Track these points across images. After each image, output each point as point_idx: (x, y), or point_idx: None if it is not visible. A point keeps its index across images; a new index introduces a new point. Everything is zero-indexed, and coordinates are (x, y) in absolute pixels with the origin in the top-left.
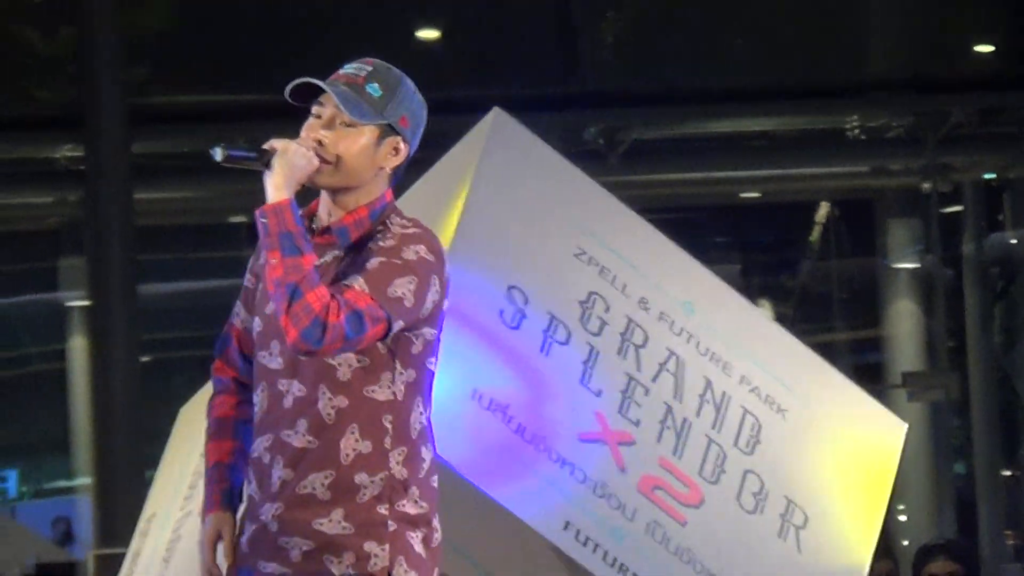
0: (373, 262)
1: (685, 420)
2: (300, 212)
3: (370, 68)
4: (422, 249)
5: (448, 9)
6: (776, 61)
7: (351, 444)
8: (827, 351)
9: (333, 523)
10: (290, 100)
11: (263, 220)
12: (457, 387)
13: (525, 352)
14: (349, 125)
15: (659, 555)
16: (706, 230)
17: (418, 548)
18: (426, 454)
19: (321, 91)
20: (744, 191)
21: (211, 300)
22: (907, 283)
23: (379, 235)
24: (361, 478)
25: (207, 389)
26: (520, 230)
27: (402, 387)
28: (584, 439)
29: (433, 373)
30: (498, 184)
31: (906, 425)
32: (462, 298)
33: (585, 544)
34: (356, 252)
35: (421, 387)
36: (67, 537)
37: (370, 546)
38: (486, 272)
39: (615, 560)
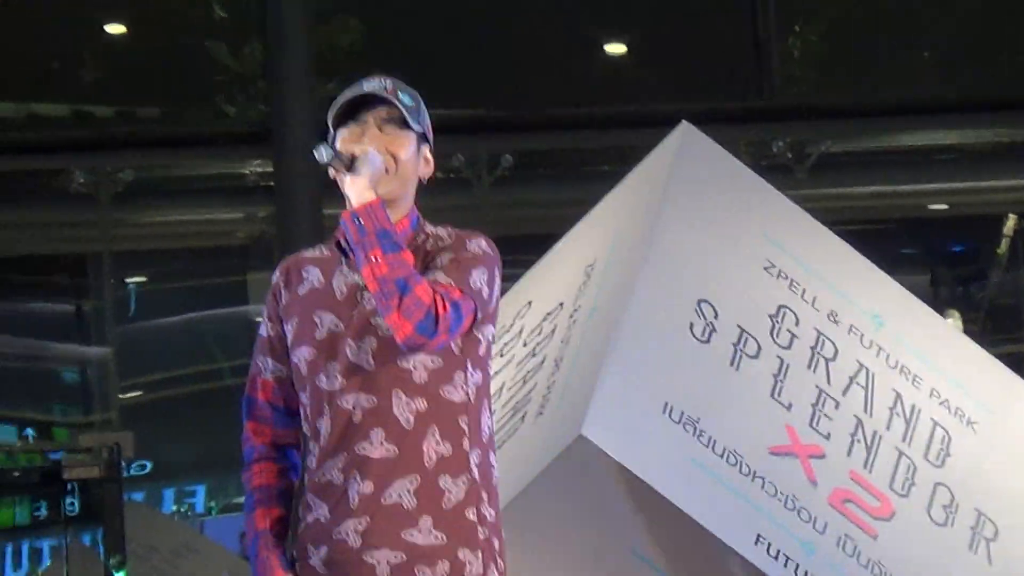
0: (443, 259)
1: (875, 433)
2: (325, 247)
3: (389, 81)
4: (483, 243)
5: (635, 23)
6: (965, 73)
7: (432, 447)
8: (1016, 362)
9: (423, 532)
10: (329, 123)
11: (357, 221)
12: (647, 400)
13: (715, 366)
14: (391, 130)
15: (850, 568)
16: (894, 241)
17: (499, 558)
18: (494, 460)
19: (361, 106)
20: (932, 203)
21: None
22: None
23: (428, 241)
24: (445, 482)
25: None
26: (710, 244)
27: (473, 389)
28: (775, 452)
29: (491, 377)
30: (688, 198)
31: None
32: (652, 311)
33: (776, 558)
34: (413, 261)
35: (487, 390)
36: None
37: (464, 554)
38: (676, 286)
39: (806, 573)
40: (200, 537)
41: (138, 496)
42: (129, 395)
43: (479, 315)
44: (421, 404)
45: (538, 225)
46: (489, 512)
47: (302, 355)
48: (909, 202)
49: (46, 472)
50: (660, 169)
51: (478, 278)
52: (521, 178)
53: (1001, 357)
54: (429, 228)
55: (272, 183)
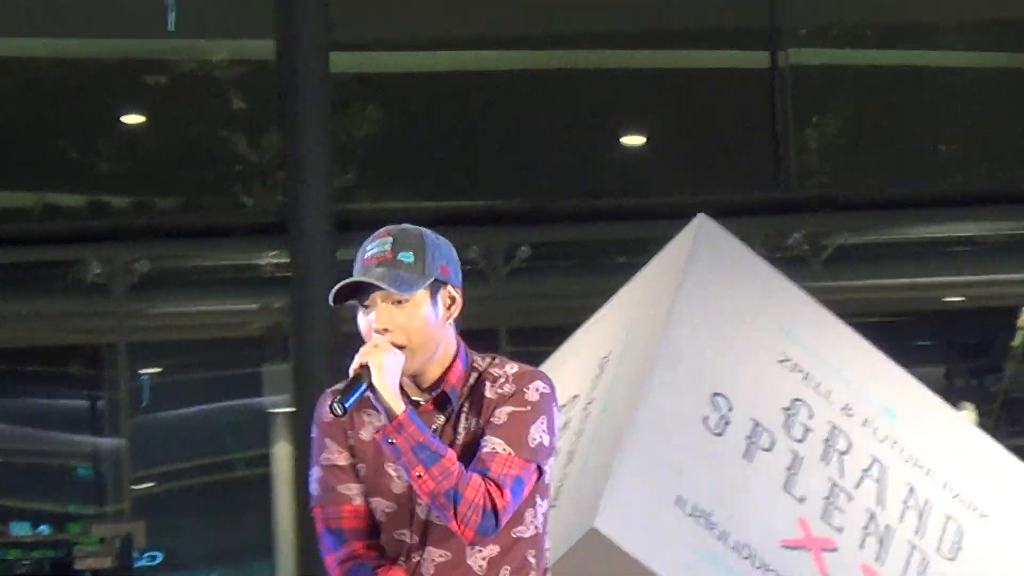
0: (501, 414)
1: (888, 526)
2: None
3: (390, 239)
4: (540, 385)
5: (653, 115)
6: (981, 166)
7: None
8: None
9: None
10: (332, 303)
11: (389, 441)
12: (661, 493)
13: (728, 458)
14: (399, 302)
15: None
16: (909, 333)
17: None
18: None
19: (359, 285)
20: (948, 295)
21: None
22: None
23: (486, 382)
24: None
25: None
26: (725, 336)
27: (541, 519)
28: (787, 546)
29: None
30: (704, 290)
31: None
32: (667, 403)
33: None
34: (471, 405)
35: (548, 513)
36: None
37: None
38: (691, 378)
39: None
40: None
41: None
42: (142, 486)
43: (543, 470)
44: (494, 550)
45: (554, 316)
46: None
47: (378, 505)
48: (925, 295)
49: (57, 563)
50: (676, 261)
51: (537, 432)
52: (537, 269)
53: (1016, 449)
54: (480, 362)
55: (288, 274)
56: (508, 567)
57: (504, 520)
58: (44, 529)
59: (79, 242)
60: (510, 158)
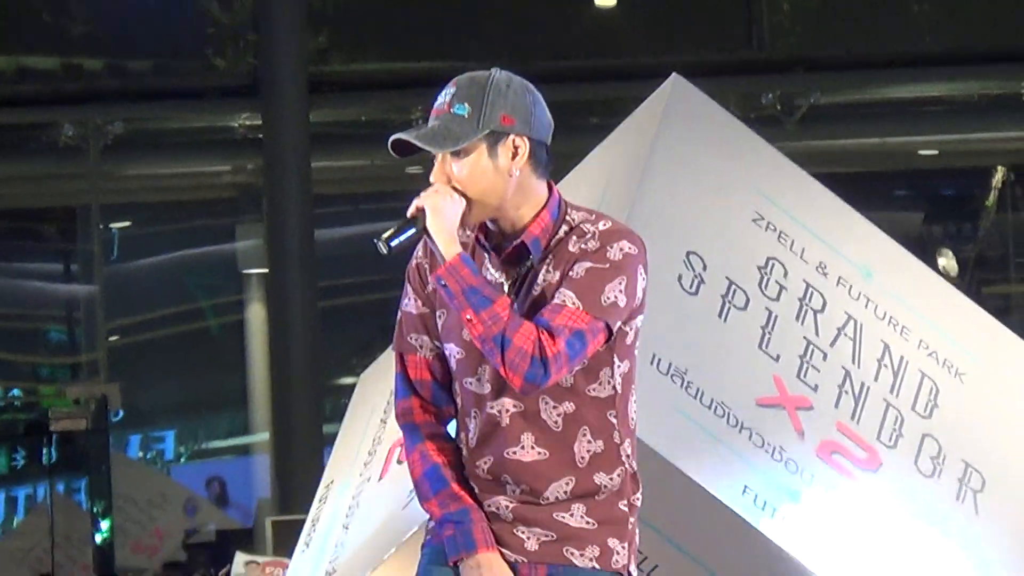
0: (580, 270)
1: (863, 384)
2: (474, 233)
3: (453, 89)
4: (625, 245)
5: None
6: (953, 26)
7: (585, 447)
8: (1004, 305)
9: (575, 517)
10: (394, 154)
11: (442, 284)
12: None
13: (703, 317)
14: (455, 154)
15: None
16: (887, 185)
17: (637, 539)
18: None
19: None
20: (923, 150)
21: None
22: None
23: (573, 236)
24: (600, 478)
25: (388, 355)
26: (699, 196)
27: (620, 379)
28: (762, 404)
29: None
30: (677, 150)
31: None
32: None
33: (763, 508)
34: (555, 258)
35: (633, 375)
36: (221, 499)
37: (613, 543)
38: (665, 238)
39: (792, 524)
40: (175, 485)
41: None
42: (114, 338)
43: (612, 329)
44: (569, 407)
45: None
46: (638, 500)
47: (452, 351)
48: (899, 152)
49: (32, 424)
50: (649, 121)
51: (612, 292)
52: None
53: (990, 296)
54: (574, 215)
55: (261, 136)
56: (587, 426)
57: (556, 370)
58: (16, 393)
59: (53, 104)
60: (480, 21)
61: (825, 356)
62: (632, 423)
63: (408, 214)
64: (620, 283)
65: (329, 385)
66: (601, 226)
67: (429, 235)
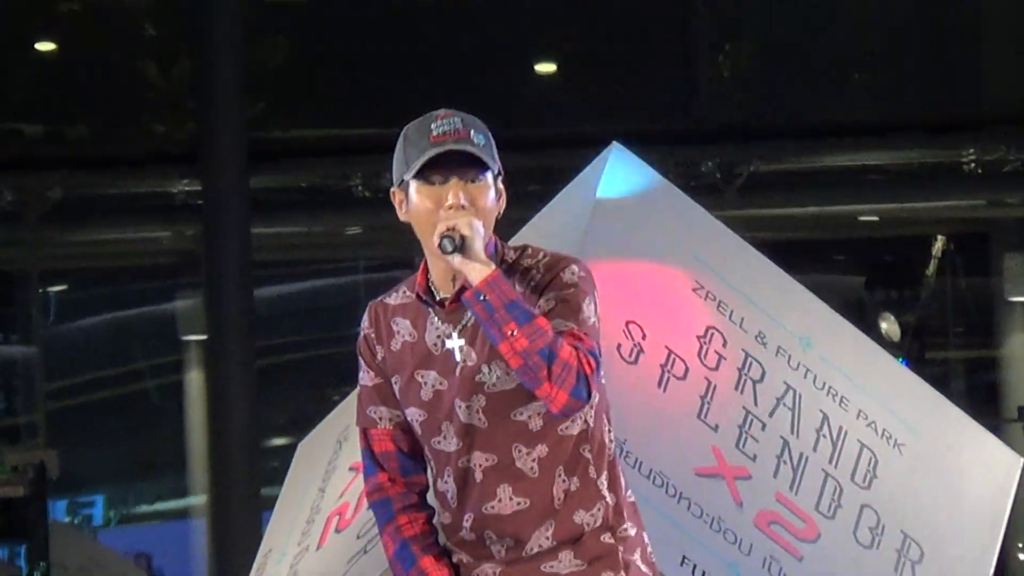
0: (549, 299)
1: (802, 455)
2: (408, 289)
3: (458, 119)
4: (575, 268)
5: (565, 43)
6: (893, 95)
7: (560, 487)
8: (944, 372)
9: (564, 563)
10: (412, 177)
11: (482, 299)
12: None
13: (642, 387)
14: (473, 180)
15: None
16: (827, 250)
17: (645, 569)
18: (621, 469)
19: (438, 157)
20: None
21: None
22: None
23: (518, 273)
24: (580, 517)
25: (326, 424)
26: (638, 264)
27: (591, 411)
28: (701, 474)
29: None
30: (616, 219)
31: (1022, 460)
32: None
33: None
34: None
35: (604, 404)
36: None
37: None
38: (604, 307)
39: None
40: (107, 552)
41: None
42: (53, 402)
43: (599, 352)
44: (542, 451)
45: None
46: (627, 528)
47: (413, 415)
48: (839, 218)
49: None
50: (588, 190)
51: (588, 312)
52: None
53: (929, 364)
54: (510, 252)
55: (200, 202)
56: (562, 466)
57: (593, 388)
58: None
59: None
60: (420, 85)
61: (764, 426)
62: (610, 452)
63: (437, 234)
64: (589, 303)
65: (264, 447)
66: (542, 258)
67: (466, 252)
